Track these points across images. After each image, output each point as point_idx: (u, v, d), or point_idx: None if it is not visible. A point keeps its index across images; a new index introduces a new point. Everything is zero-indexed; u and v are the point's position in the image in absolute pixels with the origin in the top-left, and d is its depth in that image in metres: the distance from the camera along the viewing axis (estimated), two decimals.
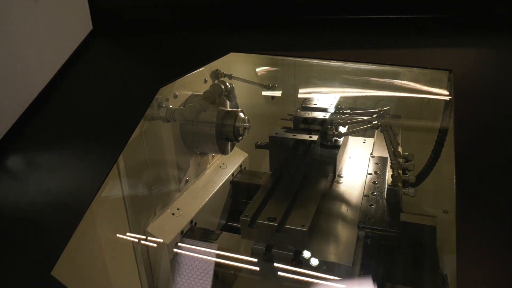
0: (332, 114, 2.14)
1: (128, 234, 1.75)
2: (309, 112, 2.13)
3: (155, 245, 1.90)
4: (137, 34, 1.49)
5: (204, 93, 1.86)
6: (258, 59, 2.73)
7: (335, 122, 2.10)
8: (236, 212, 2.61)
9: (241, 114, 2.09)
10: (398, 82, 2.14)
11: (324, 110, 2.17)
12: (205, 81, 2.26)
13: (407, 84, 2.30)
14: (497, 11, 1.08)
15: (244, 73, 2.75)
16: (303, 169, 1.91)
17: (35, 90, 1.34)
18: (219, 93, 1.89)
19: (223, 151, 2.18)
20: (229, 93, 2.01)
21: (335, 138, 2.10)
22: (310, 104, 2.33)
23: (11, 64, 1.31)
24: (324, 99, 2.38)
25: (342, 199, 1.94)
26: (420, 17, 1.15)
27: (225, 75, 2.42)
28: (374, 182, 2.01)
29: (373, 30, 1.22)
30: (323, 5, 1.29)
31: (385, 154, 2.29)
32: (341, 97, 2.80)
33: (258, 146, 2.17)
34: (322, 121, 2.05)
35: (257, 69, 2.97)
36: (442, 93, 2.44)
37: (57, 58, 1.41)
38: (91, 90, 1.37)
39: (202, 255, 1.93)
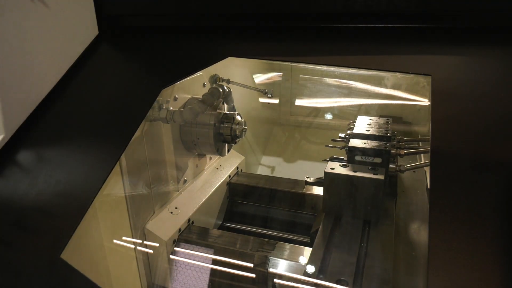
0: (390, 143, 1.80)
1: (128, 231, 1.82)
2: (366, 142, 1.76)
3: (154, 244, 1.97)
4: (141, 39, 1.58)
5: (202, 96, 1.94)
6: (255, 64, 2.82)
7: (393, 153, 1.75)
8: (232, 213, 2.68)
9: (238, 117, 2.17)
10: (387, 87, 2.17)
11: (382, 138, 1.80)
12: (204, 85, 2.34)
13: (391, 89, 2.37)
14: (473, 22, 1.18)
15: (242, 78, 2.84)
16: (363, 212, 1.60)
17: (44, 91, 1.42)
18: (217, 96, 1.97)
19: (220, 153, 2.25)
20: (226, 97, 2.09)
21: (398, 172, 1.75)
22: (357, 127, 1.94)
23: (22, 66, 1.39)
24: (375, 123, 2.00)
25: (412, 249, 1.56)
26: (404, 26, 1.25)
27: (223, 80, 2.51)
28: None
29: (361, 38, 1.31)
30: (316, 13, 1.39)
31: None
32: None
33: (309, 183, 1.86)
34: (383, 152, 1.68)
35: (254, 74, 3.05)
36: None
37: (65, 61, 1.49)
38: (96, 91, 1.45)
39: (200, 254, 2.00)
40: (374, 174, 1.54)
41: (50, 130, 1.33)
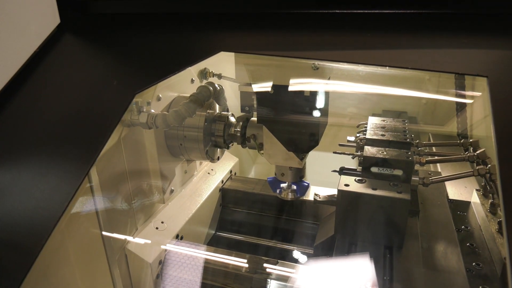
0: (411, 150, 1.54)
1: (104, 254, 1.56)
2: (384, 150, 1.50)
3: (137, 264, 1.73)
4: (112, 29, 1.29)
5: (190, 96, 1.67)
6: (248, 58, 2.53)
7: (414, 160, 1.50)
8: (225, 222, 2.44)
9: (232, 118, 1.90)
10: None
11: (401, 144, 1.55)
12: (192, 81, 2.07)
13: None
14: None
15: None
16: (385, 237, 1.37)
17: None
18: (207, 96, 1.69)
19: (212, 159, 1.99)
20: (218, 96, 1.82)
21: (421, 184, 1.50)
22: (370, 131, 1.66)
23: None
24: (390, 125, 1.72)
25: (440, 280, 1.30)
26: (444, 12, 0.98)
27: (213, 75, 2.23)
28: (471, 245, 1.47)
29: (389, 28, 1.04)
30: None
31: (464, 197, 1.79)
32: None
33: (319, 202, 1.60)
34: (405, 163, 1.43)
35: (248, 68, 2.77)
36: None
37: (17, 57, 1.20)
38: (57, 95, 1.17)
39: (189, 277, 1.76)
40: (398, 192, 1.29)
41: None
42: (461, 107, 2.29)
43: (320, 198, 1.55)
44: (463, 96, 2.10)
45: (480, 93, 1.90)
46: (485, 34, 0.92)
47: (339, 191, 1.34)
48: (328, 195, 1.55)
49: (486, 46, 0.90)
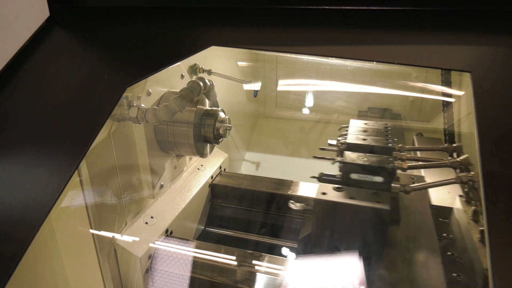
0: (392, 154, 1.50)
1: (94, 249, 1.56)
2: (364, 155, 1.45)
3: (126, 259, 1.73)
4: (102, 22, 1.29)
5: (180, 91, 1.67)
6: (239, 53, 2.54)
7: (395, 167, 1.46)
8: (215, 217, 2.45)
9: (222, 114, 1.91)
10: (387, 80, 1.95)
11: (383, 149, 1.49)
12: (182, 76, 2.08)
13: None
14: None
15: (225, 67, 2.57)
16: (363, 247, 1.32)
17: None
18: (197, 91, 1.70)
19: (202, 154, 2.00)
20: (208, 91, 1.83)
21: (402, 192, 1.45)
22: (351, 136, 1.62)
23: None
24: (372, 129, 1.67)
25: None
26: (430, 9, 1.01)
27: (203, 70, 2.24)
28: (452, 254, 1.42)
29: (376, 24, 1.06)
30: None
31: (447, 202, 1.74)
32: None
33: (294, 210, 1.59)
34: (386, 171, 1.39)
35: (239, 62, 2.78)
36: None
37: (5, 51, 1.19)
38: (47, 88, 1.16)
39: (180, 266, 1.77)
40: (377, 202, 1.28)
41: None
42: (447, 103, 2.33)
43: (296, 207, 1.55)
44: (449, 93, 2.14)
45: (466, 90, 1.94)
46: (469, 30, 0.95)
47: (315, 200, 1.32)
48: (303, 204, 1.54)
49: (470, 43, 0.93)
